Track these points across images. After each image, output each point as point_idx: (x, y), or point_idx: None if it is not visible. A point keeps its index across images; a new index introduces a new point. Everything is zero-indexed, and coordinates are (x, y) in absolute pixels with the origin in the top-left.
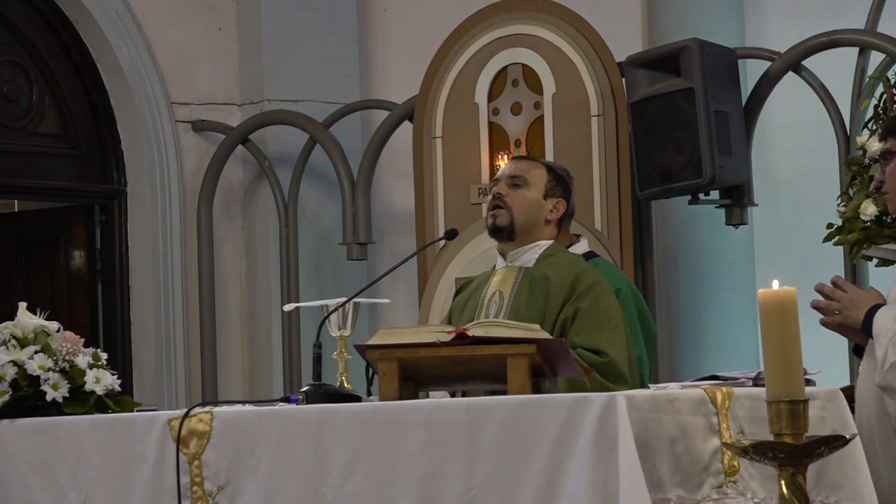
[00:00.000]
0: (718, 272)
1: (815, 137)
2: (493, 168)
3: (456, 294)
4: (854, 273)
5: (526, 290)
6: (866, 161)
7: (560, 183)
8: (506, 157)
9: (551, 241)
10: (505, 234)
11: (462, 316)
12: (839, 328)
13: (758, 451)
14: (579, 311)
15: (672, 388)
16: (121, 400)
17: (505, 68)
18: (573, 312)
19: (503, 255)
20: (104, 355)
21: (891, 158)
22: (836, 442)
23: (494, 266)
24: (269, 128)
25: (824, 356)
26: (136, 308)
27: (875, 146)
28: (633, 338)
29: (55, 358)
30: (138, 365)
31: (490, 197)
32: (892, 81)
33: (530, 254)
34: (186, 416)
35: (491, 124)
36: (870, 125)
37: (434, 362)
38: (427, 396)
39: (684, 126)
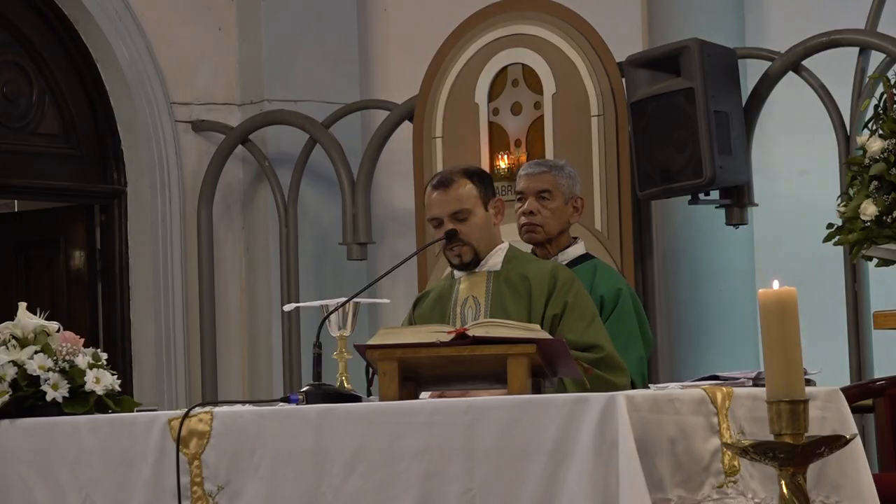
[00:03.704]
0: (718, 272)
1: (815, 137)
2: (493, 168)
3: (414, 307)
4: (854, 273)
5: (507, 292)
6: (866, 161)
7: (485, 182)
8: (506, 156)
9: (508, 244)
10: (473, 264)
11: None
12: None
13: (758, 451)
14: (567, 306)
15: (672, 388)
16: (121, 400)
17: (505, 68)
18: (562, 307)
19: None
20: (104, 355)
21: None
22: (836, 442)
23: (453, 275)
24: (269, 128)
25: (824, 356)
26: (136, 308)
27: (875, 146)
28: (633, 339)
29: (55, 358)
30: (138, 365)
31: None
32: (892, 81)
33: (495, 258)
34: (186, 416)
35: (491, 124)
36: (870, 125)
37: (434, 362)
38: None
39: (684, 126)
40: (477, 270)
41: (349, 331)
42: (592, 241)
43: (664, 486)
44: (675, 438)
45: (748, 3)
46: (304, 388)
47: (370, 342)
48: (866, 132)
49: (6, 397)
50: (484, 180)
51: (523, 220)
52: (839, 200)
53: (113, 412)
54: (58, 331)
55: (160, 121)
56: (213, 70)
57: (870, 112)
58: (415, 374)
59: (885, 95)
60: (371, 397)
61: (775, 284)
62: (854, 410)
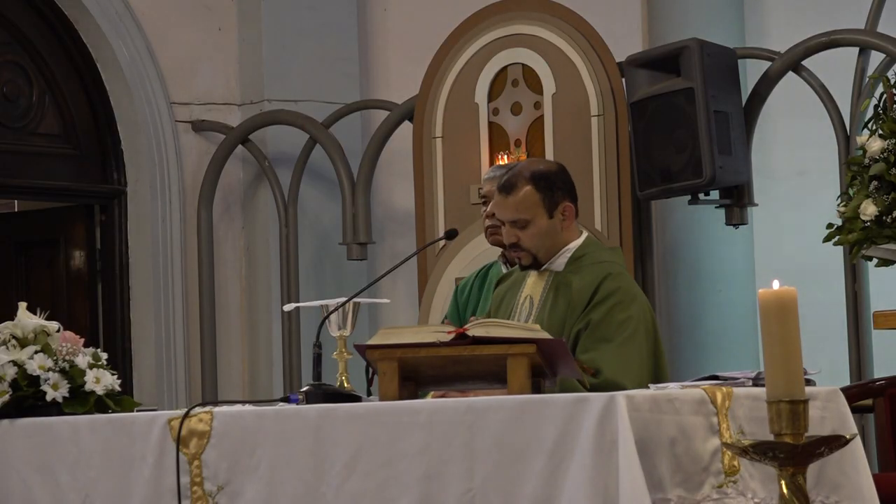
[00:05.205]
0: (718, 271)
1: (815, 138)
2: None
3: (496, 284)
4: (854, 273)
5: (552, 297)
6: (866, 161)
7: (554, 187)
8: (506, 156)
9: (582, 240)
10: (534, 266)
11: (499, 311)
12: None
13: (758, 451)
14: (590, 324)
15: (672, 388)
16: (121, 400)
17: (505, 68)
18: (585, 324)
19: None
20: (104, 355)
21: None
22: (836, 442)
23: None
24: (269, 128)
25: (824, 356)
26: (136, 308)
27: (875, 146)
28: None
29: (55, 358)
30: (138, 365)
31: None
32: (892, 81)
33: (560, 258)
34: (186, 416)
35: (491, 124)
36: (870, 125)
37: (434, 362)
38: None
39: (684, 126)
40: (543, 269)
41: (349, 331)
42: None
43: (664, 486)
44: (675, 438)
45: (748, 3)
46: (304, 388)
47: (370, 342)
48: (866, 132)
49: (6, 397)
50: (553, 184)
51: (488, 222)
52: (839, 200)
53: (113, 412)
54: (58, 331)
55: (160, 121)
56: (213, 70)
57: (870, 112)
58: (415, 374)
59: (885, 95)
60: (371, 397)
61: (775, 284)
62: (854, 410)
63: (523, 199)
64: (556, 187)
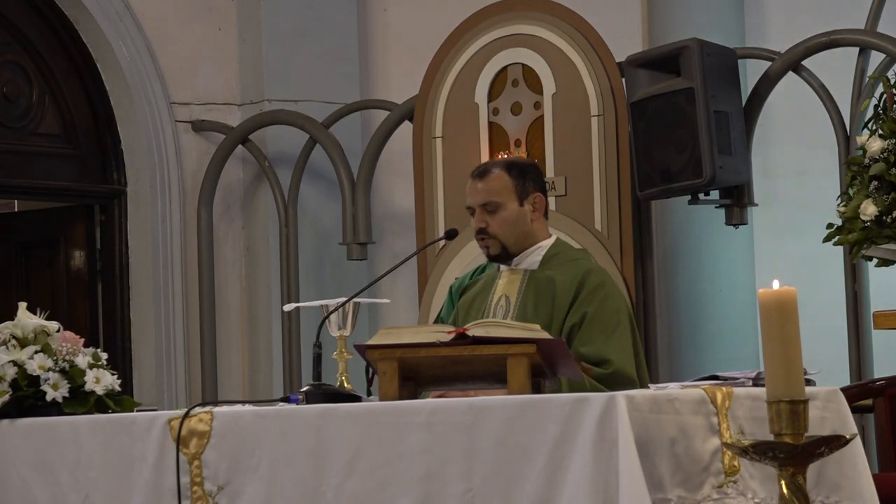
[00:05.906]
0: (718, 272)
1: (815, 138)
2: None
3: (461, 293)
4: (854, 273)
5: (532, 295)
6: (866, 161)
7: (527, 176)
8: (506, 156)
9: (553, 240)
10: (503, 257)
11: (468, 317)
12: None
13: (758, 451)
14: (586, 317)
15: (672, 388)
16: (121, 400)
17: (505, 68)
18: (580, 318)
19: None
20: (104, 355)
21: None
22: (836, 442)
23: (499, 267)
24: (269, 128)
25: (824, 356)
26: (136, 308)
27: (875, 146)
28: None
29: (55, 358)
30: (138, 365)
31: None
32: (892, 81)
33: (534, 256)
34: (186, 416)
35: (491, 124)
36: (870, 125)
37: (434, 362)
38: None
39: (684, 126)
40: (516, 267)
41: (349, 331)
42: (592, 241)
43: (664, 486)
44: (675, 438)
45: (748, 3)
46: (304, 388)
47: (370, 342)
48: (866, 132)
49: (6, 397)
50: (525, 174)
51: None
52: (839, 200)
53: (113, 412)
54: (58, 331)
55: (160, 121)
56: (213, 70)
57: (870, 112)
58: (415, 374)
59: (885, 95)
60: (371, 397)
61: (775, 284)
62: (854, 410)
63: (495, 182)
64: (529, 177)
